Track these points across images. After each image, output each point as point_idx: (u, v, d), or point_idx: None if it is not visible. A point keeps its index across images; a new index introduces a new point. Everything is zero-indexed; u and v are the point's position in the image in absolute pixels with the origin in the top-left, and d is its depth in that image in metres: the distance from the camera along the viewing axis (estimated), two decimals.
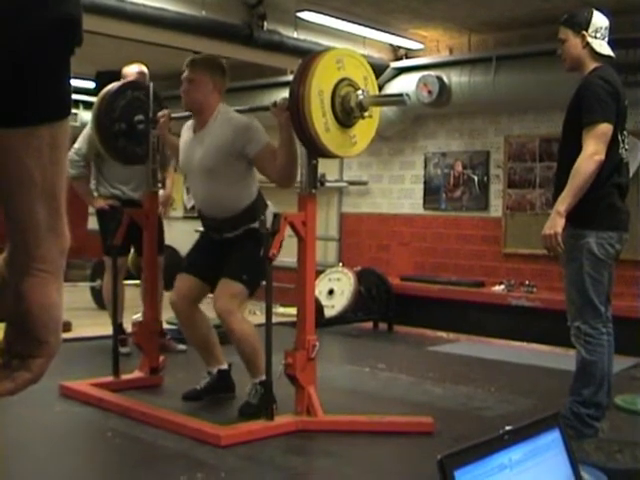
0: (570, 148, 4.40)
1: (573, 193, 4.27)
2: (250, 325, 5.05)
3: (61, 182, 0.97)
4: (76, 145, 6.65)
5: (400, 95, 5.02)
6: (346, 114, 4.58)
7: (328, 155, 4.73)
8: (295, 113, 4.51)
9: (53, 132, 0.93)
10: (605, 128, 4.28)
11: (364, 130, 4.79)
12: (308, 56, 4.67)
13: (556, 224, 4.29)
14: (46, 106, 0.92)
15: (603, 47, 4.50)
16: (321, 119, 4.47)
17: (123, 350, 6.23)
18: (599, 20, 4.52)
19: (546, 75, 8.76)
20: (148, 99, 5.71)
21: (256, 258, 4.69)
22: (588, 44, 4.47)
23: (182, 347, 6.83)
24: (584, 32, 4.47)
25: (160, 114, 5.54)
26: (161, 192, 6.62)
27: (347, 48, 4.66)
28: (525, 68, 9.11)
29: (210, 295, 5.23)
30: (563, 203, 4.29)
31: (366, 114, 4.64)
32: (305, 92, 4.43)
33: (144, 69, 6.73)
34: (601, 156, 4.25)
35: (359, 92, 4.58)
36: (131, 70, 6.71)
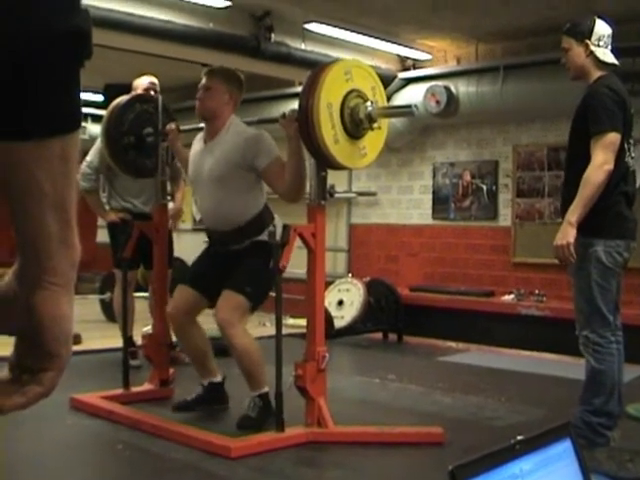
0: (577, 158, 4.42)
1: (584, 203, 4.27)
2: (250, 338, 5.03)
3: (72, 194, 0.97)
4: (88, 158, 6.67)
5: (409, 106, 5.05)
6: (355, 126, 4.59)
7: (337, 167, 4.73)
8: (304, 125, 4.51)
9: (64, 145, 0.93)
10: (613, 137, 4.28)
11: (373, 141, 4.80)
12: (316, 68, 4.70)
13: (568, 234, 4.29)
14: (57, 119, 0.92)
15: (607, 55, 4.50)
16: (330, 131, 4.47)
17: (133, 363, 6.23)
18: (602, 28, 4.52)
19: (553, 84, 8.76)
20: (157, 112, 5.73)
21: (261, 271, 4.70)
22: (592, 52, 4.47)
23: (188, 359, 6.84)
24: (587, 41, 4.47)
25: (168, 127, 5.54)
26: (171, 205, 6.64)
27: (355, 59, 4.66)
28: (532, 77, 9.10)
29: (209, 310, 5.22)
30: (574, 213, 4.29)
31: (375, 125, 4.64)
32: (314, 104, 4.43)
33: (155, 80, 6.76)
34: (610, 166, 4.25)
35: (368, 104, 4.58)
36: (142, 82, 6.73)
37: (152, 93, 6.59)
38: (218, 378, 5.34)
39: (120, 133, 5.69)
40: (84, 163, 6.63)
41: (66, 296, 0.99)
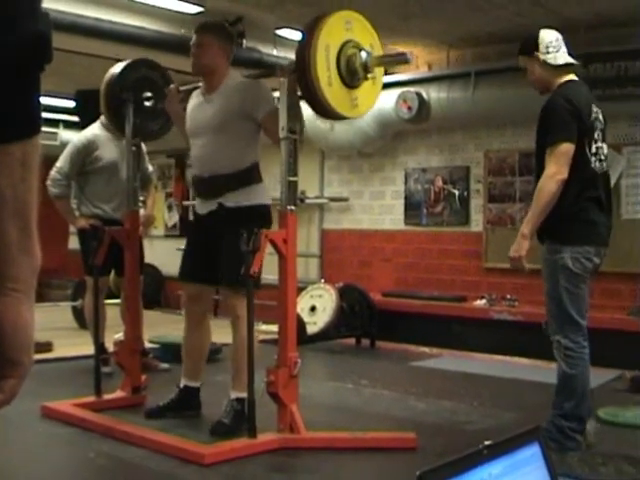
0: (541, 169, 4.50)
1: (537, 213, 4.43)
2: (244, 338, 4.97)
3: (32, 200, 0.96)
4: (58, 164, 6.62)
5: (403, 54, 5.14)
6: (350, 74, 4.61)
7: (328, 112, 4.72)
8: (300, 64, 4.55)
9: (24, 150, 0.92)
10: (565, 148, 4.39)
11: (366, 94, 4.82)
12: (318, 14, 4.70)
13: (521, 247, 4.44)
14: (17, 124, 0.91)
15: (558, 58, 4.64)
16: (325, 72, 4.50)
17: (105, 370, 6.20)
18: (547, 36, 4.69)
19: (524, 90, 8.72)
20: (161, 81, 5.84)
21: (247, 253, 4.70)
22: (544, 62, 4.63)
23: (165, 366, 6.81)
24: (536, 53, 4.65)
25: (168, 88, 5.56)
26: (142, 212, 6.62)
27: (358, 13, 4.73)
28: (504, 83, 9.15)
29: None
30: (527, 225, 4.46)
31: (370, 75, 4.69)
32: (312, 43, 4.47)
33: None
34: (563, 175, 4.36)
35: (363, 52, 4.63)
36: None
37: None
38: (197, 384, 5.34)
39: (120, 87, 5.71)
40: (54, 169, 6.58)
41: (27, 303, 0.99)
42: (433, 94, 9.64)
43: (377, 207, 11.27)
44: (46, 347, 7.68)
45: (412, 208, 10.84)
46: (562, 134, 4.41)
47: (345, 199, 11.55)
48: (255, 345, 4.63)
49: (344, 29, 4.64)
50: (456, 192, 10.40)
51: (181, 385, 5.31)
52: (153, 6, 7.83)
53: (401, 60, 5.73)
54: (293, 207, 4.68)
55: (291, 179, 4.68)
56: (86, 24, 7.36)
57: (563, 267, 4.43)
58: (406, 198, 10.91)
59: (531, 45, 4.69)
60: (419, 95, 9.60)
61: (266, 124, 4.96)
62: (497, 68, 9.27)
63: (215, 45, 5.10)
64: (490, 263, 9.99)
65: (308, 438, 4.64)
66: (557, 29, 7.49)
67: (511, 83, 9.03)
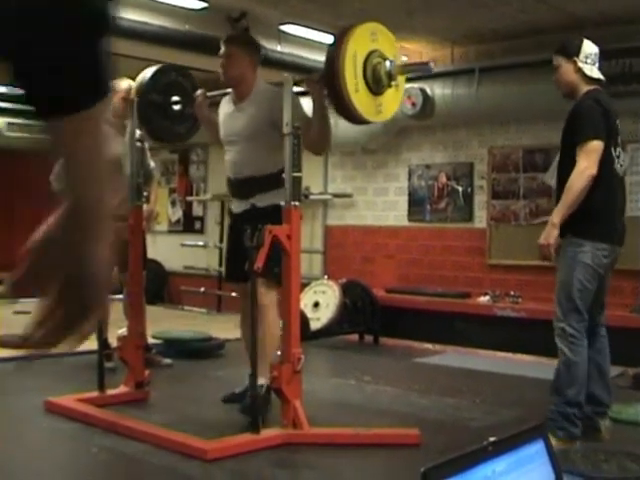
0: (567, 166, 4.70)
1: (567, 205, 4.61)
2: (278, 323, 5.18)
3: (107, 153, 1.06)
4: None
5: (426, 63, 5.31)
6: (375, 82, 4.79)
7: (355, 117, 4.86)
8: (329, 71, 4.72)
9: (103, 107, 1.01)
10: (596, 145, 4.61)
11: (389, 100, 5.00)
12: (344, 25, 4.92)
13: (550, 235, 4.64)
14: (100, 87, 1.01)
15: (594, 71, 4.86)
16: (352, 80, 4.67)
17: (108, 365, 6.21)
18: (588, 47, 4.88)
19: (528, 86, 8.81)
20: (189, 86, 5.93)
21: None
22: (579, 69, 4.82)
23: (167, 361, 6.82)
24: (575, 58, 4.82)
25: (196, 93, 5.71)
26: (145, 207, 6.64)
27: (382, 25, 4.92)
28: (507, 80, 9.14)
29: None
30: (557, 215, 4.65)
31: (393, 83, 4.87)
32: (340, 52, 4.65)
33: (133, 84, 6.77)
34: (592, 171, 4.58)
35: (387, 62, 4.82)
36: (121, 85, 6.73)
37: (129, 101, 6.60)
38: (261, 381, 5.34)
39: (150, 89, 5.81)
40: (58, 165, 6.59)
41: (108, 246, 1.06)
42: (437, 90, 9.62)
43: (381, 203, 11.26)
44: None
45: (416, 204, 10.83)
46: (592, 132, 4.62)
47: (349, 195, 11.54)
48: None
49: (370, 40, 4.83)
50: (460, 188, 10.38)
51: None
52: (157, 1, 7.82)
53: (424, 69, 5.88)
54: (297, 203, 4.69)
55: (295, 175, 4.69)
56: None
57: (582, 260, 4.64)
58: (410, 194, 10.90)
59: (573, 49, 4.86)
60: (423, 91, 9.58)
61: None
62: (501, 65, 9.25)
63: (242, 56, 5.34)
64: (494, 260, 9.98)
65: (311, 434, 4.64)
66: (562, 26, 7.53)
67: (515, 80, 9.03)
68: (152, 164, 7.19)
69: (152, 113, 5.79)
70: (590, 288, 4.69)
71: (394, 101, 5.09)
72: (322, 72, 4.95)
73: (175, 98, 5.88)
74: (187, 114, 5.94)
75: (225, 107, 5.54)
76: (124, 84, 6.76)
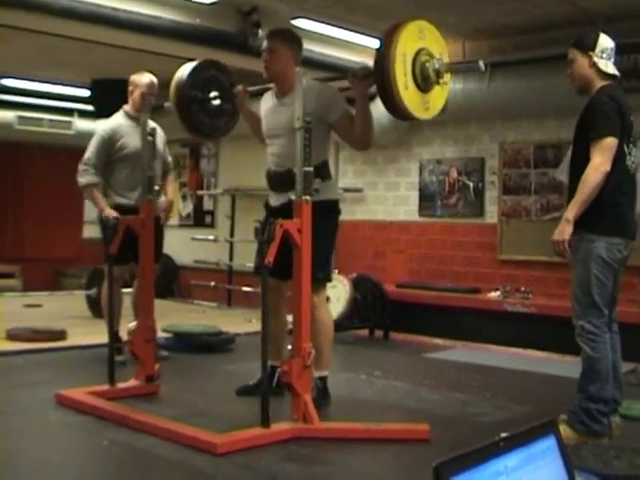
0: (580, 161, 4.70)
1: (581, 201, 4.59)
2: (330, 317, 5.55)
3: None
4: (85, 155, 6.72)
5: (475, 62, 5.38)
6: (423, 79, 4.82)
7: (404, 114, 4.88)
8: (379, 70, 4.72)
9: None
10: (610, 141, 4.60)
11: (436, 97, 5.05)
12: (394, 24, 4.88)
13: (564, 231, 4.61)
14: None
15: (609, 67, 4.82)
16: (402, 77, 4.69)
17: (119, 358, 6.22)
18: (605, 41, 4.83)
19: (540, 82, 8.79)
20: (227, 82, 5.97)
21: (320, 247, 4.94)
22: (595, 64, 4.78)
23: (164, 353, 6.81)
24: (591, 52, 4.78)
25: (236, 88, 5.75)
26: (162, 198, 6.69)
27: (429, 22, 4.95)
28: (519, 75, 9.12)
29: None
30: (572, 211, 4.61)
31: (441, 81, 4.94)
32: (390, 51, 4.66)
33: (154, 80, 6.79)
34: (607, 167, 4.57)
35: (435, 60, 4.86)
36: (143, 80, 6.76)
37: (150, 97, 6.60)
38: (279, 362, 5.36)
39: (190, 85, 5.81)
40: (82, 160, 6.69)
41: None
42: (449, 85, 9.60)
43: (391, 198, 11.26)
44: (60, 335, 7.71)
45: (426, 199, 10.83)
46: (607, 128, 4.60)
47: (359, 190, 11.54)
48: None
49: (418, 37, 4.86)
50: (471, 184, 10.38)
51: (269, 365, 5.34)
52: None
53: (473, 68, 5.93)
54: (308, 197, 4.69)
55: (306, 169, 4.69)
56: (104, 13, 7.36)
57: (597, 256, 4.63)
58: (421, 189, 10.90)
59: (589, 43, 4.81)
60: None
61: (338, 126, 5.31)
62: (513, 60, 9.24)
63: (284, 51, 5.39)
64: (504, 255, 9.97)
65: (321, 428, 4.65)
66: (574, 21, 7.51)
67: (527, 75, 9.02)
68: (169, 158, 7.25)
69: (193, 108, 5.82)
70: (607, 283, 4.68)
71: (440, 97, 5.12)
72: (366, 69, 4.99)
73: (214, 93, 5.90)
74: (225, 109, 5.99)
75: (268, 101, 5.59)
76: (145, 79, 6.78)
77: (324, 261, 5.14)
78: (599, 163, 4.55)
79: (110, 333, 5.74)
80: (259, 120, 5.68)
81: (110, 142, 6.68)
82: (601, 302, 4.66)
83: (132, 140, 6.57)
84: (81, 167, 6.70)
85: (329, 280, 5.45)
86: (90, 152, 6.72)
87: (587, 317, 4.65)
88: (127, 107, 6.85)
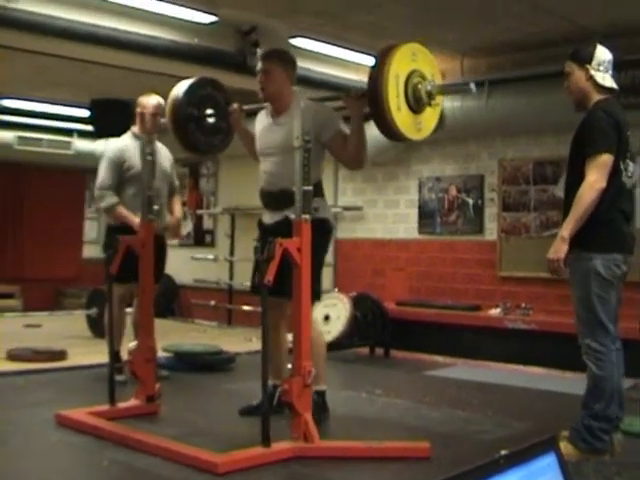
0: (575, 178, 4.68)
1: (576, 218, 4.56)
2: (318, 332, 5.47)
3: None
4: (98, 180, 6.75)
5: (466, 84, 5.38)
6: (416, 101, 4.86)
7: (396, 135, 4.90)
8: (372, 91, 4.77)
9: None
10: (606, 158, 4.57)
11: (428, 119, 5.08)
12: (387, 45, 4.95)
13: (560, 249, 4.57)
14: None
15: (606, 80, 4.78)
16: (395, 99, 4.74)
17: (119, 378, 6.21)
18: (602, 54, 4.81)
19: (539, 99, 8.82)
20: (222, 100, 5.94)
21: (313, 266, 4.83)
22: (592, 77, 4.75)
23: (164, 373, 6.80)
24: (587, 65, 4.76)
25: (232, 107, 5.78)
26: (169, 218, 6.75)
27: (422, 45, 4.99)
28: (518, 92, 9.15)
29: None
30: (567, 229, 4.58)
31: (433, 102, 4.96)
32: (383, 72, 4.71)
33: (162, 101, 6.80)
34: (602, 184, 4.54)
35: (427, 82, 4.90)
36: (150, 102, 6.79)
37: (158, 118, 6.61)
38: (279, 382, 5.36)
39: (187, 102, 5.81)
40: (96, 186, 6.74)
41: None
42: (447, 103, 9.61)
43: (391, 216, 11.27)
44: (61, 355, 7.70)
45: (426, 217, 10.84)
46: (604, 145, 4.58)
47: (359, 208, 11.56)
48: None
49: (411, 60, 4.91)
50: (470, 201, 10.39)
51: (270, 384, 5.33)
52: (167, 16, 7.85)
53: (464, 90, 5.95)
54: (307, 216, 4.69)
55: (305, 188, 4.69)
56: (102, 34, 7.39)
57: (595, 273, 4.59)
58: (420, 207, 10.91)
59: (586, 56, 4.80)
60: None
61: (331, 146, 5.32)
62: (511, 77, 9.27)
63: (279, 72, 5.43)
64: (504, 272, 9.98)
65: (322, 447, 4.63)
66: (571, 38, 7.53)
67: (525, 92, 9.04)
68: (177, 182, 7.30)
69: (189, 126, 5.83)
70: (609, 299, 4.65)
71: (432, 119, 5.14)
72: (361, 89, 5.03)
73: (209, 111, 5.92)
74: (220, 127, 5.99)
75: (262, 120, 5.62)
76: (153, 100, 6.81)
77: (314, 280, 5.07)
78: (594, 180, 4.52)
79: (111, 353, 5.73)
80: (253, 139, 5.70)
81: (119, 162, 6.72)
82: (606, 319, 4.62)
83: (138, 161, 6.60)
84: (97, 192, 6.76)
85: (319, 299, 5.42)
86: (102, 175, 6.76)
87: (593, 335, 4.62)
88: (135, 128, 6.88)
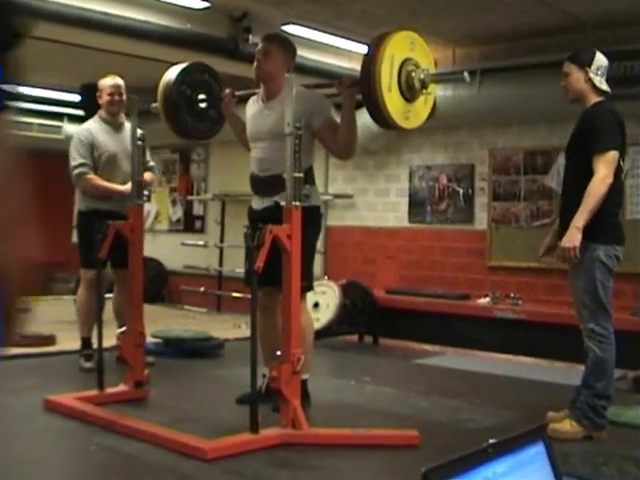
0: (578, 173, 4.98)
1: (588, 210, 4.83)
2: (310, 321, 5.44)
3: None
4: (71, 163, 6.64)
5: (460, 72, 5.44)
6: (408, 88, 4.89)
7: (384, 118, 4.89)
8: (365, 71, 4.79)
9: None
10: (615, 155, 4.88)
11: (419, 110, 5.10)
12: (386, 31, 4.98)
13: (574, 238, 4.83)
14: None
15: (602, 84, 5.08)
16: (387, 78, 4.75)
17: (86, 365, 6.26)
18: (600, 60, 5.10)
19: (530, 88, 8.81)
20: (216, 87, 6.00)
21: (304, 255, 4.82)
22: (590, 80, 5.03)
23: (150, 359, 6.76)
24: (587, 68, 5.04)
25: (224, 92, 5.82)
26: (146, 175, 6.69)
27: (420, 36, 5.02)
28: (509, 81, 9.15)
29: None
30: (580, 219, 4.84)
31: (425, 91, 4.99)
32: (379, 51, 4.74)
33: (119, 81, 6.76)
34: (611, 179, 4.84)
35: (421, 70, 4.93)
36: (106, 83, 6.75)
37: (116, 98, 6.62)
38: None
39: (179, 85, 5.84)
40: (70, 168, 6.63)
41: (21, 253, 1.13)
42: (439, 92, 9.57)
43: (381, 204, 11.26)
44: (49, 340, 7.69)
45: (416, 206, 10.84)
46: (611, 143, 4.87)
47: (349, 196, 11.55)
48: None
49: (409, 47, 4.96)
50: (460, 190, 10.39)
51: (263, 373, 5.32)
52: (160, 1, 7.83)
53: (458, 78, 5.98)
54: (298, 203, 4.69)
55: (296, 175, 4.69)
56: (93, 18, 7.36)
57: (600, 262, 4.90)
58: (410, 196, 10.90)
59: (586, 59, 5.07)
60: None
61: (320, 133, 5.28)
62: (502, 66, 9.26)
63: (278, 54, 5.44)
64: (494, 261, 9.98)
65: (310, 434, 4.64)
66: (563, 28, 7.55)
67: (516, 81, 9.04)
68: (152, 163, 7.18)
69: (180, 106, 5.83)
70: (609, 286, 4.95)
71: (423, 112, 5.17)
72: (353, 77, 5.05)
73: (202, 96, 5.92)
74: (210, 114, 6.01)
75: (253, 106, 5.61)
76: (110, 81, 6.76)
77: (306, 269, 5.07)
78: (604, 175, 4.80)
79: (99, 338, 5.71)
80: (244, 125, 5.69)
81: (87, 142, 6.63)
82: (607, 303, 4.93)
83: (106, 144, 6.58)
84: (73, 172, 6.62)
85: (311, 288, 5.42)
86: (73, 156, 6.64)
87: (596, 320, 4.91)
88: (102, 112, 6.82)
